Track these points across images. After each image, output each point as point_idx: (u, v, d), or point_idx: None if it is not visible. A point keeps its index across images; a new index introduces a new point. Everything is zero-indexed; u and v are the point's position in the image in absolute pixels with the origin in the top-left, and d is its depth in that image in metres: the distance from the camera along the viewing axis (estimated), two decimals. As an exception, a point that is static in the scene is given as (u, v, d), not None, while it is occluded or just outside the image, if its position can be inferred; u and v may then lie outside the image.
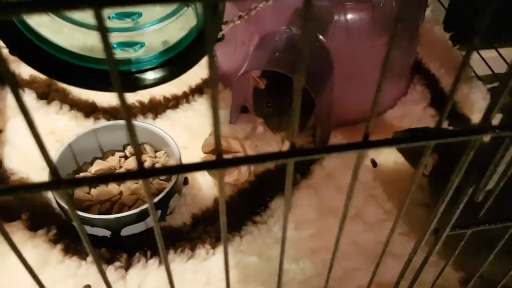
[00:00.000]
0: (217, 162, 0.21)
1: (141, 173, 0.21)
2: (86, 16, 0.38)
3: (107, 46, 0.16)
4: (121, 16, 0.39)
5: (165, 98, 0.72)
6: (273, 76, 0.63)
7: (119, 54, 0.39)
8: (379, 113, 0.73)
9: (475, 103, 0.74)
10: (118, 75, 0.17)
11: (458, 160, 0.22)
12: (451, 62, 0.81)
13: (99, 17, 0.16)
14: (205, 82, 0.75)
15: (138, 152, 0.20)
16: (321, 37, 0.62)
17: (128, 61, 0.38)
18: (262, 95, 0.64)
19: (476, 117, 0.73)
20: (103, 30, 0.16)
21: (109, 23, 0.39)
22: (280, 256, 0.29)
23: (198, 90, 0.74)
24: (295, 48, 0.61)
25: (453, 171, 0.22)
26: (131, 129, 0.19)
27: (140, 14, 0.39)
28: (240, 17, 0.40)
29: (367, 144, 0.22)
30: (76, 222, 0.22)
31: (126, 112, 0.18)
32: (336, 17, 0.62)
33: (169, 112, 0.71)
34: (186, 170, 0.22)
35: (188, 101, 0.73)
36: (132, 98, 0.72)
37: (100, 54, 0.39)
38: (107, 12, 0.39)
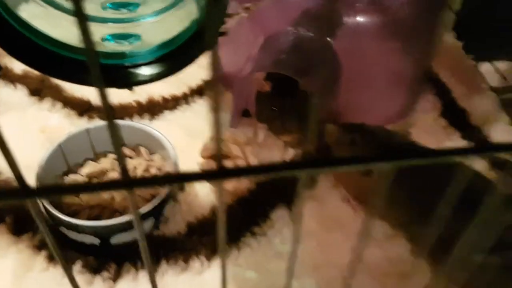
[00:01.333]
0: (217, 173, 0.18)
1: (125, 183, 0.17)
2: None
3: (86, 34, 0.13)
4: (117, 6, 0.36)
5: (164, 99, 0.69)
6: (278, 78, 0.61)
7: (113, 46, 0.36)
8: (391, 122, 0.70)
9: (489, 114, 0.71)
10: (98, 65, 0.14)
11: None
12: (463, 71, 0.77)
13: (77, 3, 0.13)
14: (206, 83, 0.72)
15: (121, 157, 0.16)
16: (329, 39, 0.59)
17: (122, 55, 0.35)
18: (266, 98, 0.61)
19: (488, 129, 0.70)
20: (81, 17, 0.13)
21: (104, 13, 0.36)
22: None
23: (198, 91, 0.71)
24: (302, 50, 0.58)
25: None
26: (112, 128, 0.15)
27: (137, 5, 0.36)
28: (247, 8, 0.37)
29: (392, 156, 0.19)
30: (44, 232, 0.19)
31: (107, 109, 0.15)
32: (345, 19, 0.59)
33: (166, 113, 0.68)
34: (179, 180, 0.18)
35: (187, 102, 0.69)
36: (129, 97, 0.68)
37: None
38: (103, 0, 0.36)
